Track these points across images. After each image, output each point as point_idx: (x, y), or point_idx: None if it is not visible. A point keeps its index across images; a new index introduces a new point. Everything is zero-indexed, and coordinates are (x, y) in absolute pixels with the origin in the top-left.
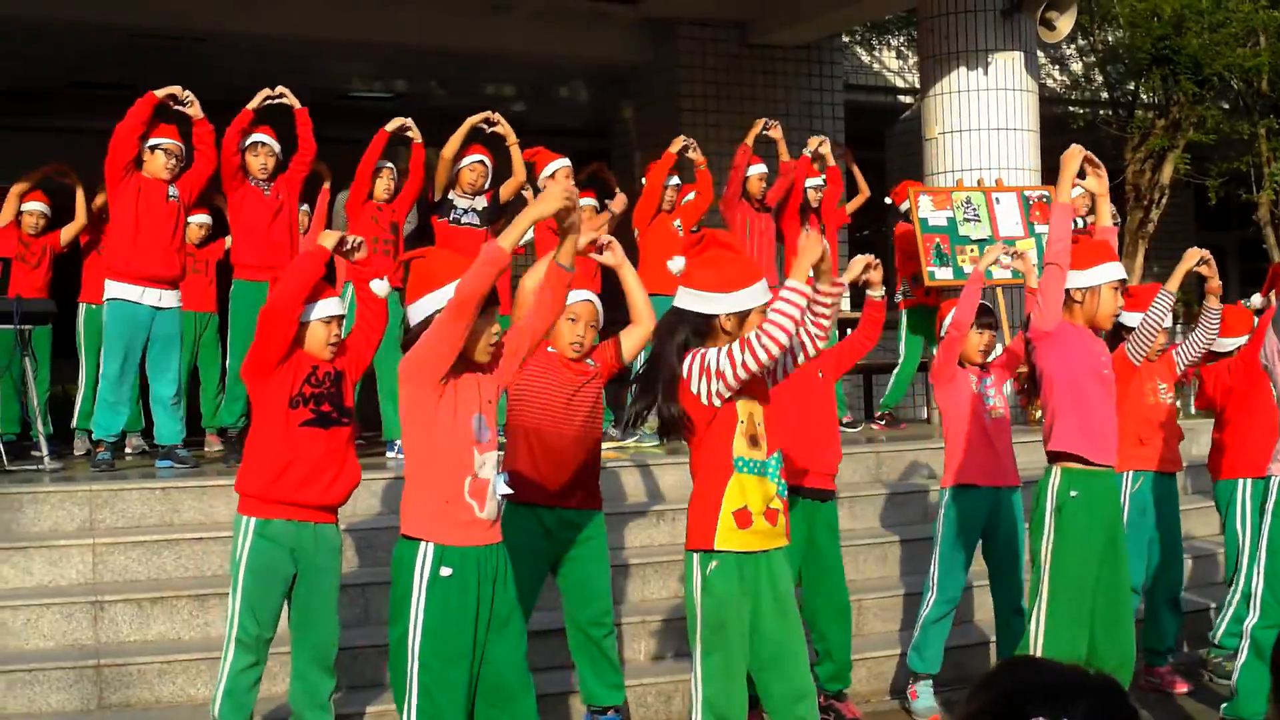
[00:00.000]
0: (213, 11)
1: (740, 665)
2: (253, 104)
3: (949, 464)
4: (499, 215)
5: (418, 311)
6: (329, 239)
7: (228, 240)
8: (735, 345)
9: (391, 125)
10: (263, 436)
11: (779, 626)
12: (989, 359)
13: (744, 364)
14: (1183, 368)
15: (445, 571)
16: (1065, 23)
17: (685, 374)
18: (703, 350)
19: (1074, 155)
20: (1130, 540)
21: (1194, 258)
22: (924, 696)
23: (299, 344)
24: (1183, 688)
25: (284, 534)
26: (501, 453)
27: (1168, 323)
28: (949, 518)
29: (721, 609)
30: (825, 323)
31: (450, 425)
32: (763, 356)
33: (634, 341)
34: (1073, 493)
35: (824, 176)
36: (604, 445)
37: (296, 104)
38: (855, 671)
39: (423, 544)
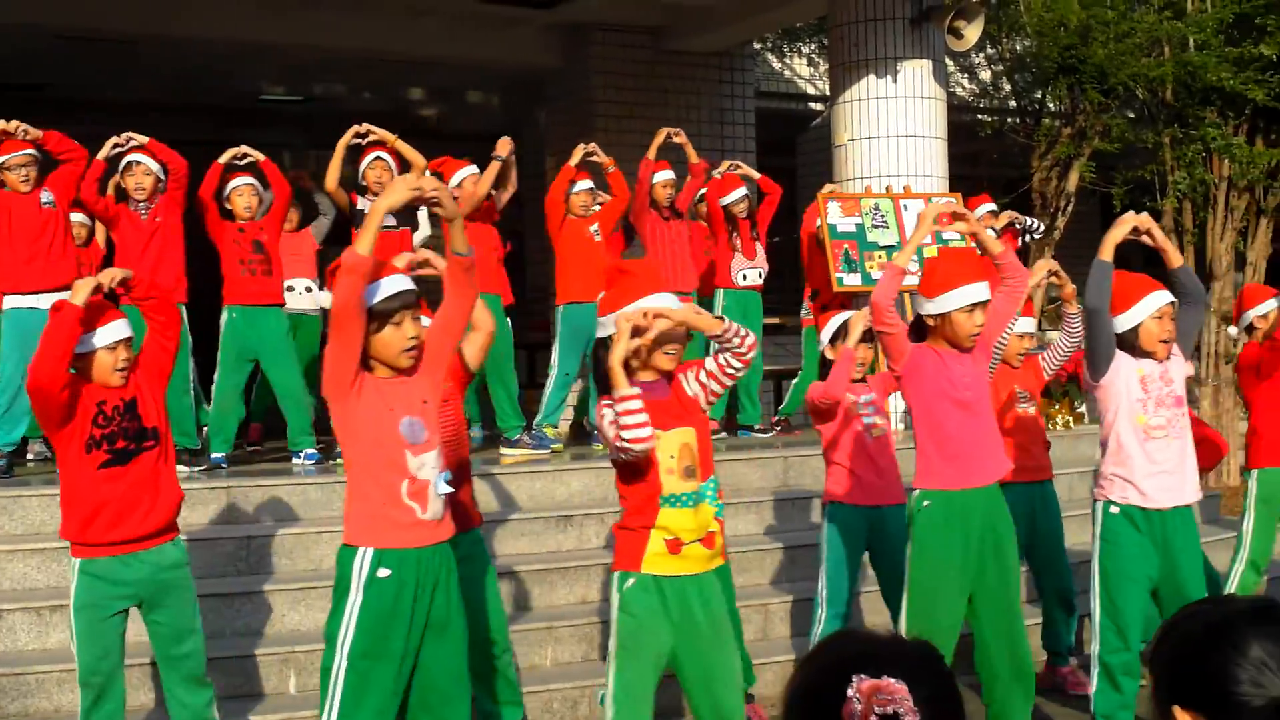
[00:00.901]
0: (132, 14)
1: (646, 686)
2: (102, 154)
3: (828, 481)
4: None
5: None
6: (79, 292)
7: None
8: (608, 425)
9: (225, 156)
10: (68, 483)
11: (711, 648)
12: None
13: (615, 450)
14: (1050, 373)
15: (383, 572)
16: (973, 32)
17: (598, 419)
18: (607, 403)
19: (924, 220)
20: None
21: (1043, 269)
22: None
23: (85, 378)
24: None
25: (110, 570)
26: (437, 450)
27: (1078, 337)
28: (831, 535)
29: (637, 630)
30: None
31: (375, 432)
32: (626, 451)
33: (475, 349)
34: (925, 503)
35: (742, 190)
36: (513, 452)
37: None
38: (762, 674)
39: (361, 550)
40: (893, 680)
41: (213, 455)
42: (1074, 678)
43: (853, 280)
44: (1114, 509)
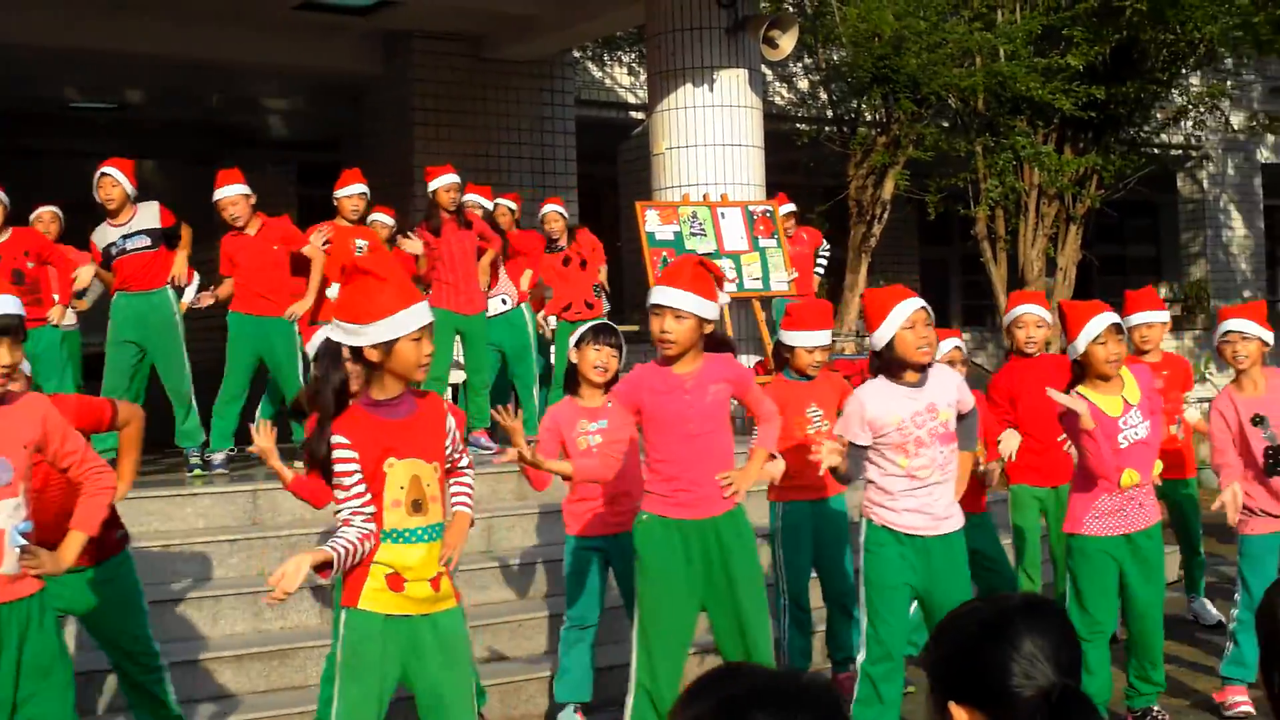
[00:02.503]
0: None
1: (370, 709)
2: None
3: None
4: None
5: None
6: None
7: None
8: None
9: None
10: None
11: (442, 680)
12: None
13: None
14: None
15: None
16: (787, 41)
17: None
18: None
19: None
20: (787, 562)
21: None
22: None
23: None
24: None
25: None
26: (19, 499)
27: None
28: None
29: (358, 665)
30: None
31: None
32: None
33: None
34: (644, 517)
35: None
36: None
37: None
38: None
39: None
40: None
41: None
42: (849, 684)
43: None
44: (876, 521)
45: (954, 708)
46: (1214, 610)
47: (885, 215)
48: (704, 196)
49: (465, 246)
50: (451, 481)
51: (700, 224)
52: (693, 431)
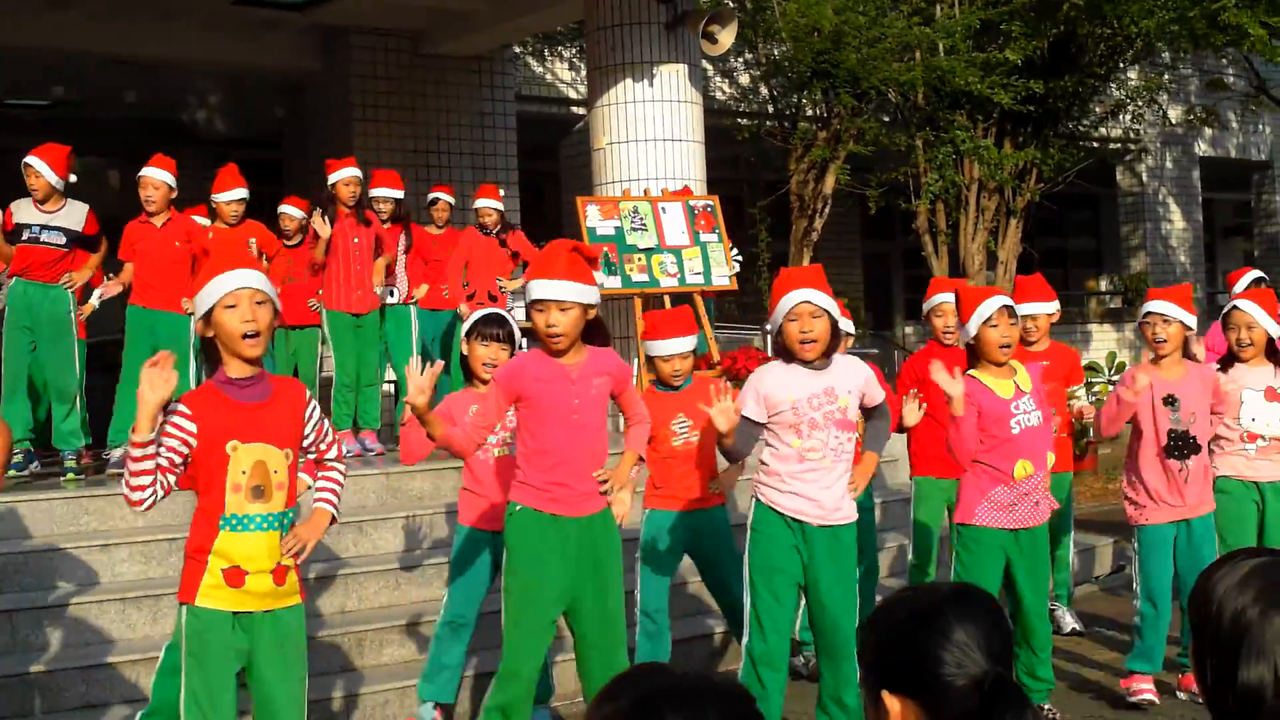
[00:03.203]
0: None
1: (220, 694)
2: None
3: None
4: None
5: None
6: None
7: None
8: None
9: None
10: None
11: (275, 685)
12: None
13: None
14: None
15: None
16: (727, 37)
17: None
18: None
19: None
20: (644, 573)
21: None
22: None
23: None
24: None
25: None
26: None
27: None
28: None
29: (202, 661)
30: None
31: None
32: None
33: None
34: (516, 508)
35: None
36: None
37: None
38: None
39: None
40: None
41: None
42: None
43: (613, 283)
44: (763, 501)
45: (887, 697)
46: (1071, 619)
47: (827, 210)
48: (644, 191)
49: (362, 244)
50: (318, 475)
51: (641, 219)
52: (577, 422)
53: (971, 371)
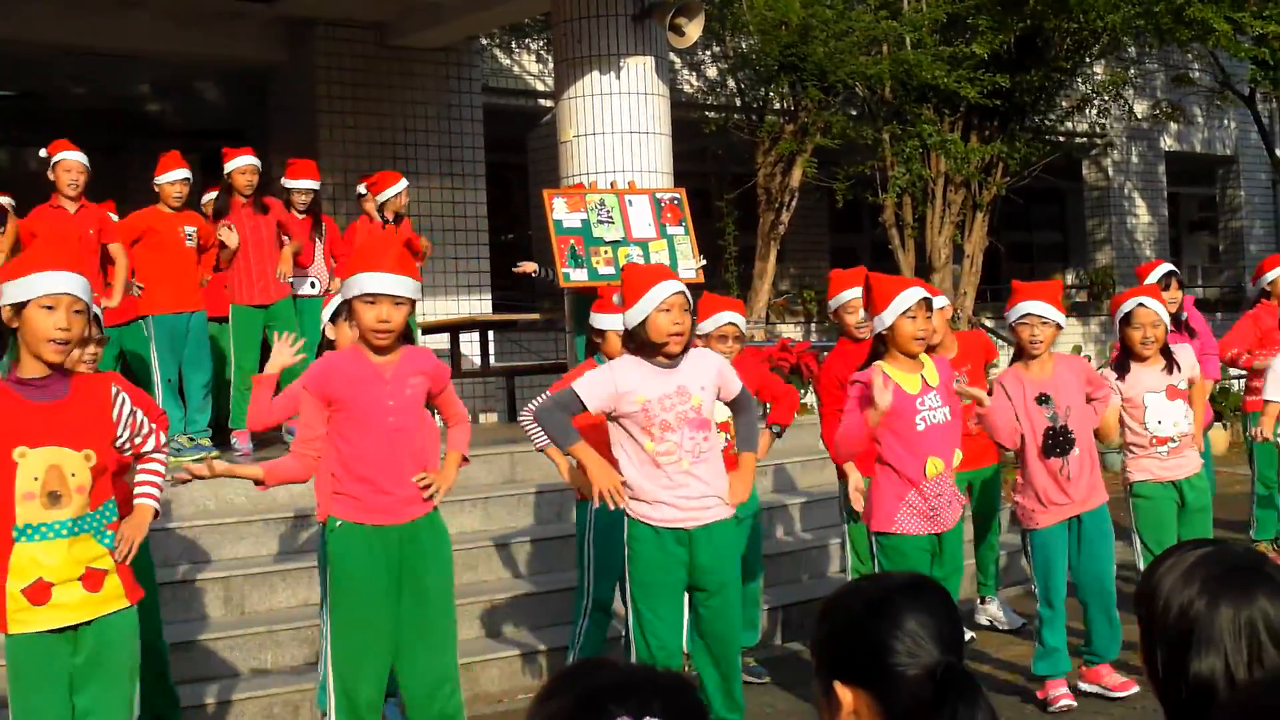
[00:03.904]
0: None
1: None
2: None
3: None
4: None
5: None
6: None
7: None
8: None
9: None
10: None
11: (93, 695)
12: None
13: None
14: None
15: None
16: (694, 29)
17: None
18: None
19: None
20: (598, 562)
21: None
22: None
23: None
24: None
25: None
26: None
27: None
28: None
29: (19, 696)
30: None
31: None
32: None
33: None
34: (336, 523)
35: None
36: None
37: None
38: (487, 670)
39: None
40: None
41: None
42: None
43: (579, 276)
44: (632, 515)
45: (839, 687)
46: (1014, 612)
47: (794, 203)
48: (611, 184)
49: (261, 234)
50: (138, 469)
51: (608, 212)
52: (393, 425)
53: (879, 363)
